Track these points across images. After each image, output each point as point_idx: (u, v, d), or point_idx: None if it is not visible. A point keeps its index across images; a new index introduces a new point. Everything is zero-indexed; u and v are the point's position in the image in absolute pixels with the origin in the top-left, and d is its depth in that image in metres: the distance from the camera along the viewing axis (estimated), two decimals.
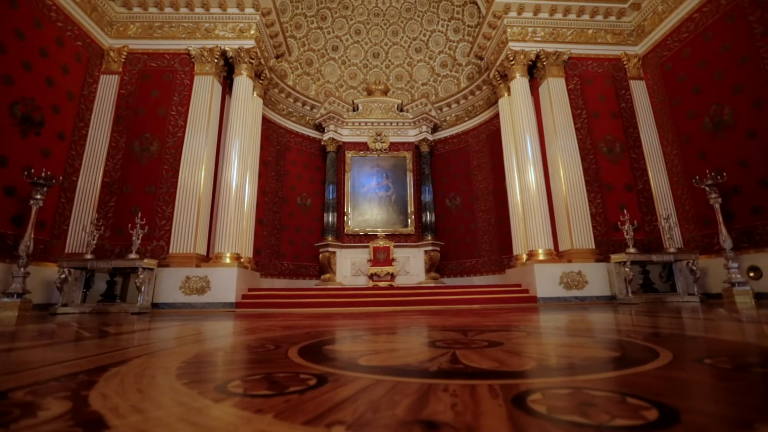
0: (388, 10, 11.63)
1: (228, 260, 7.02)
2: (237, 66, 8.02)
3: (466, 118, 11.07)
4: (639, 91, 8.13)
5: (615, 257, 6.59)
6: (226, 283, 6.68)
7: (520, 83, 8.25)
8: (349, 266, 10.00)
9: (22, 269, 5.24)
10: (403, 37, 11.88)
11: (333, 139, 10.76)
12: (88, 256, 6.10)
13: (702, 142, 6.80)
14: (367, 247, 9.91)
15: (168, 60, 7.88)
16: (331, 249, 9.91)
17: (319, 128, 10.99)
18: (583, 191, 7.53)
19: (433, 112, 11.02)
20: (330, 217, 10.23)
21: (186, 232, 6.96)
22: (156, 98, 7.63)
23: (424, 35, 11.72)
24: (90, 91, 7.31)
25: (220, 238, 7.18)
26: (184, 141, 7.38)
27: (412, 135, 11.17)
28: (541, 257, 7.31)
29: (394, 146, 11.14)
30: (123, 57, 7.74)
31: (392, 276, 9.47)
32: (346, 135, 11.03)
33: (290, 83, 10.80)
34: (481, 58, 9.83)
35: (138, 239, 6.36)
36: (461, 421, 0.69)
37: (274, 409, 0.81)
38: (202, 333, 2.70)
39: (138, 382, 1.06)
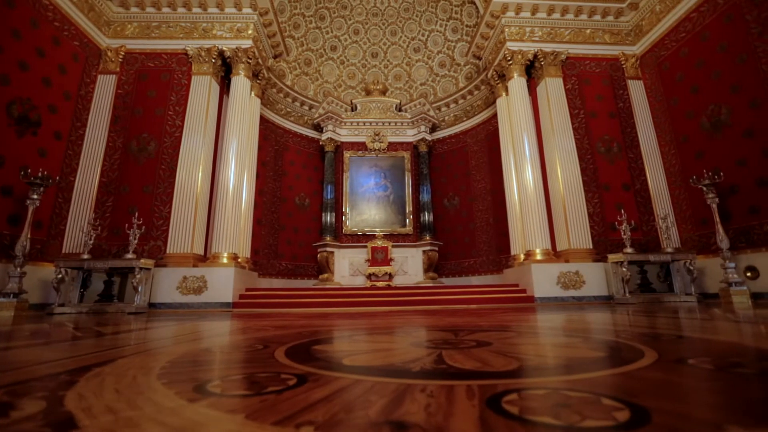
0: (386, 9, 11.62)
1: (225, 260, 7.02)
2: (234, 66, 8.02)
3: (465, 118, 11.07)
4: (637, 91, 8.12)
5: (612, 257, 6.58)
6: (223, 283, 6.68)
7: (517, 83, 8.24)
8: (347, 266, 10.00)
9: (19, 269, 5.24)
10: (401, 36, 11.88)
11: (331, 138, 10.76)
12: (85, 256, 6.10)
13: (699, 142, 6.79)
14: (365, 247, 9.91)
15: (165, 60, 7.88)
16: (329, 249, 9.91)
17: (318, 128, 10.98)
18: (580, 191, 7.52)
19: (431, 112, 11.02)
20: (328, 217, 10.23)
21: (183, 232, 6.96)
22: (153, 98, 7.63)
23: (423, 35, 11.71)
24: (87, 91, 7.31)
25: (217, 238, 7.18)
26: (182, 141, 7.37)
27: (410, 135, 11.17)
28: (538, 257, 7.30)
29: (393, 146, 11.13)
30: (120, 57, 7.74)
31: (390, 276, 9.47)
32: (345, 135, 11.03)
33: (289, 83, 10.80)
34: (479, 58, 9.82)
35: (135, 239, 6.36)
36: (431, 422, 0.69)
37: (247, 409, 0.81)
38: (194, 333, 2.70)
39: (118, 382, 1.06)
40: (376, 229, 10.44)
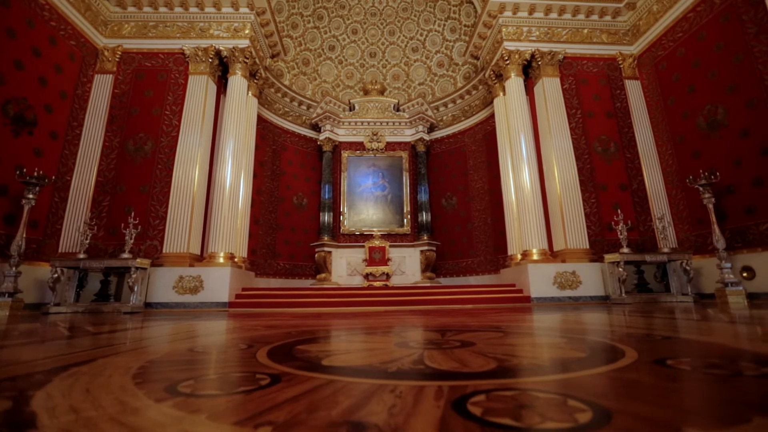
0: (384, 9, 11.61)
1: (221, 260, 7.02)
2: (232, 65, 8.02)
3: (463, 118, 11.06)
4: (634, 91, 8.11)
5: (609, 257, 6.57)
6: (219, 282, 6.68)
7: (515, 83, 8.24)
8: (345, 266, 10.00)
9: (14, 268, 5.25)
10: (400, 36, 11.87)
11: (329, 138, 10.75)
12: (81, 256, 6.11)
13: (696, 142, 6.78)
14: (363, 246, 9.91)
15: (162, 59, 7.88)
16: (326, 249, 9.91)
17: (316, 128, 10.98)
18: (577, 191, 7.51)
19: (429, 112, 11.01)
20: (326, 217, 10.23)
21: (179, 232, 6.96)
22: (150, 98, 7.63)
23: (421, 35, 11.71)
24: (84, 90, 7.31)
25: (213, 238, 7.18)
26: (179, 141, 7.38)
27: (408, 135, 11.16)
28: (535, 257, 7.29)
29: (391, 146, 11.13)
30: (117, 56, 7.75)
31: (387, 276, 9.47)
32: (343, 135, 11.03)
33: (287, 83, 10.79)
34: (477, 58, 9.82)
35: (131, 239, 6.37)
36: (391, 423, 0.69)
37: (212, 409, 0.81)
38: (185, 333, 2.69)
39: (91, 381, 1.06)
40: (374, 229, 10.43)
